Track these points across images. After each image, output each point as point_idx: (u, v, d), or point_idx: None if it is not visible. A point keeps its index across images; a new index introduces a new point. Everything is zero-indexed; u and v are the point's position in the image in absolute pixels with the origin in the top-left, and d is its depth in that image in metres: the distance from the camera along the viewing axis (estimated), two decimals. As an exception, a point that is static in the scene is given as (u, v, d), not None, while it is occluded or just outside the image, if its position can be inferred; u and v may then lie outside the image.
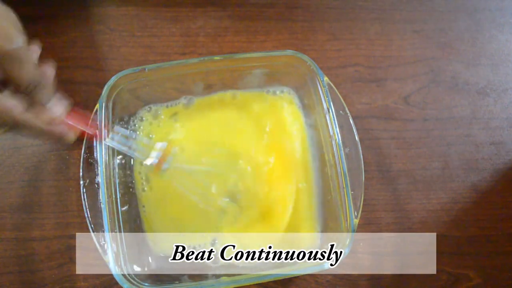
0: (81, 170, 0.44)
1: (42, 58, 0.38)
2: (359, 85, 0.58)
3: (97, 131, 0.41)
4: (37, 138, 0.39)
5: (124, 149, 0.43)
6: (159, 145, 0.44)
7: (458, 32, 0.62)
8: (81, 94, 0.55)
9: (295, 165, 0.51)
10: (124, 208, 0.46)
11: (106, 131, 0.43)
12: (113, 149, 0.46)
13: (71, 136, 0.38)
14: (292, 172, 0.50)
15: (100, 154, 0.43)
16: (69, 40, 0.57)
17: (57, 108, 0.36)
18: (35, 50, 0.36)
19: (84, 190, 0.43)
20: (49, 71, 0.36)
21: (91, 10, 0.59)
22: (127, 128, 0.51)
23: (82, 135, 0.41)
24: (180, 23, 0.59)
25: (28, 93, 0.33)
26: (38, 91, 0.34)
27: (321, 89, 0.47)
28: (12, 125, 0.33)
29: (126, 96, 0.49)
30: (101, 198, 0.42)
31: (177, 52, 0.58)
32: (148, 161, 0.43)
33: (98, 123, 0.42)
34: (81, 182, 0.43)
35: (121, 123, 0.50)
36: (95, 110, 0.44)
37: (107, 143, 0.43)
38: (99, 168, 0.43)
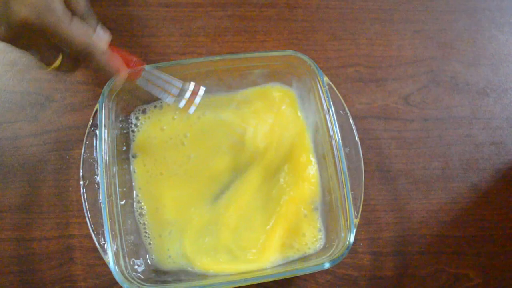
0: (81, 170, 0.44)
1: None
2: (359, 85, 0.58)
3: (131, 66, 0.43)
4: (95, 70, 0.42)
5: (155, 90, 0.44)
6: (188, 84, 0.44)
7: (458, 32, 0.62)
8: (81, 94, 0.55)
9: (295, 165, 0.51)
10: (124, 209, 0.46)
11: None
12: (113, 149, 0.46)
13: (123, 74, 0.42)
14: (293, 171, 0.50)
15: (100, 154, 0.43)
16: (69, 40, 0.57)
17: (103, 38, 0.40)
18: None
19: (84, 190, 0.43)
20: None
21: (91, 10, 0.59)
22: (126, 128, 0.51)
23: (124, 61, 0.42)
24: (180, 23, 0.59)
25: (84, 18, 0.38)
26: (90, 17, 0.39)
27: (321, 89, 0.47)
28: (84, 48, 0.37)
29: (126, 96, 0.49)
30: (101, 198, 0.42)
31: (177, 52, 0.58)
32: (181, 104, 0.44)
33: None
34: (81, 182, 0.43)
35: (121, 122, 0.50)
36: (95, 110, 0.44)
37: (146, 76, 0.43)
38: (99, 168, 0.43)
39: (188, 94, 0.44)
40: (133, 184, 0.50)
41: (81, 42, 0.37)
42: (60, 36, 0.36)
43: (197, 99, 0.44)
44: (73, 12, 0.37)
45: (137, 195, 0.49)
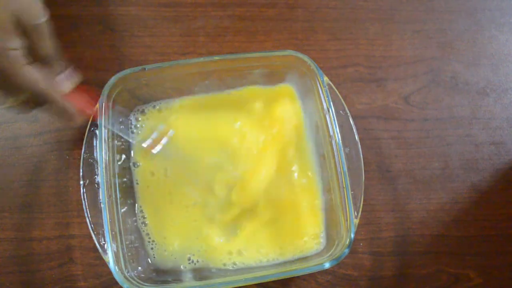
0: (81, 170, 0.44)
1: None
2: (359, 85, 0.58)
3: (95, 109, 0.43)
4: (53, 112, 0.42)
5: (120, 132, 0.45)
6: (158, 127, 0.45)
7: (458, 32, 0.62)
8: (81, 94, 0.55)
9: (296, 164, 0.51)
10: (124, 209, 0.46)
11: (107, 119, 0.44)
12: (113, 149, 0.46)
13: (75, 122, 0.42)
14: (292, 172, 0.50)
15: (100, 154, 0.43)
16: (69, 40, 0.57)
17: (65, 79, 0.40)
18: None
19: (84, 190, 0.43)
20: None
21: (91, 10, 0.59)
22: (126, 127, 0.51)
23: (85, 113, 0.42)
24: (180, 23, 0.59)
25: (45, 64, 0.38)
26: (54, 63, 0.39)
27: (321, 89, 0.47)
28: (36, 95, 0.37)
29: (126, 96, 0.49)
30: (101, 198, 0.42)
31: (177, 52, 0.58)
32: (145, 143, 0.45)
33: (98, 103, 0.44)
34: (81, 182, 0.43)
35: (120, 122, 0.50)
36: (95, 110, 0.44)
37: (104, 126, 0.44)
38: (99, 168, 0.43)
39: (155, 135, 0.45)
40: (133, 184, 0.49)
41: (31, 88, 0.37)
42: (10, 81, 0.36)
43: (164, 140, 0.45)
44: (35, 58, 0.37)
45: (137, 195, 0.49)
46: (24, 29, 0.35)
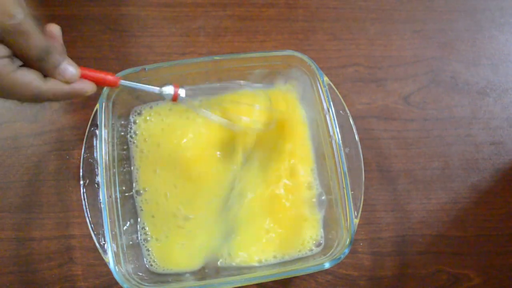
0: (81, 170, 0.44)
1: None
2: (359, 85, 0.58)
3: (116, 78, 0.39)
4: (61, 100, 0.39)
5: (140, 86, 0.41)
6: (166, 86, 0.41)
7: (458, 32, 0.62)
8: (81, 94, 0.55)
9: (295, 165, 0.51)
10: (123, 205, 0.46)
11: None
12: (113, 150, 0.46)
13: (92, 88, 0.37)
14: (292, 171, 0.50)
15: (100, 154, 0.43)
16: (69, 40, 0.57)
17: (72, 66, 0.35)
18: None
19: (84, 190, 0.43)
20: (55, 30, 0.35)
21: (91, 10, 0.59)
22: (126, 128, 0.51)
23: (100, 83, 0.38)
24: (180, 23, 0.59)
25: (41, 61, 0.32)
26: (51, 57, 0.33)
27: (321, 89, 0.47)
28: (34, 98, 0.33)
29: (126, 96, 0.49)
30: (101, 198, 0.42)
31: (177, 52, 0.58)
32: (167, 97, 0.41)
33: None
34: (81, 182, 0.43)
35: (121, 122, 0.50)
36: (95, 110, 0.44)
37: (125, 84, 0.40)
38: (99, 168, 0.43)
39: (171, 93, 0.42)
40: (133, 184, 0.50)
41: (29, 92, 0.32)
42: (2, 93, 0.32)
43: (182, 93, 0.42)
44: (24, 60, 0.32)
45: (137, 196, 0.49)
46: (2, 33, 0.30)
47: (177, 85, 0.41)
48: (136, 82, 0.41)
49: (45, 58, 0.32)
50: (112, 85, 0.39)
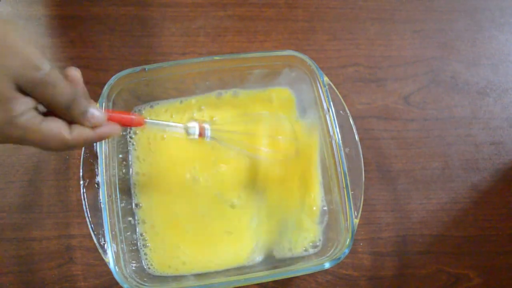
0: (81, 170, 0.44)
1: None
2: (359, 85, 0.58)
3: (140, 118, 0.39)
4: (86, 146, 0.39)
5: (164, 126, 0.42)
6: (191, 123, 0.42)
7: (458, 32, 0.62)
8: (81, 94, 0.55)
9: (296, 164, 0.51)
10: (123, 205, 0.46)
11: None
12: (113, 149, 0.46)
13: (118, 131, 0.37)
14: (292, 171, 0.50)
15: (100, 154, 0.43)
16: (69, 40, 0.57)
17: (98, 111, 0.35)
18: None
19: (84, 190, 0.43)
20: (76, 75, 0.35)
21: (91, 10, 0.59)
22: (126, 128, 0.51)
23: (125, 125, 0.38)
24: (180, 23, 0.59)
25: (68, 109, 0.32)
26: (77, 104, 0.33)
27: (321, 89, 0.47)
28: (61, 147, 0.33)
29: (126, 96, 0.49)
30: (101, 198, 0.42)
31: (177, 52, 0.58)
32: (192, 135, 0.42)
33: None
34: (81, 182, 0.43)
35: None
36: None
37: (151, 123, 0.40)
38: (99, 168, 0.43)
39: (196, 133, 0.42)
40: (133, 184, 0.49)
41: (58, 143, 0.32)
42: (31, 144, 0.32)
43: (207, 133, 0.43)
44: (52, 109, 0.32)
45: (136, 196, 0.49)
46: (30, 86, 0.30)
47: (201, 124, 0.42)
48: (159, 120, 0.42)
49: (72, 105, 0.32)
50: (138, 125, 0.39)
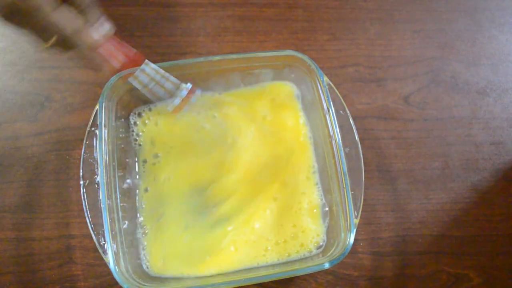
0: (81, 170, 0.44)
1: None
2: (359, 85, 0.58)
3: (121, 63, 0.42)
4: (82, 59, 0.42)
5: (151, 84, 0.44)
6: (184, 85, 0.44)
7: (458, 32, 0.62)
8: (81, 94, 0.55)
9: (296, 164, 0.51)
10: (123, 205, 0.46)
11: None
12: (113, 149, 0.46)
13: (105, 68, 0.41)
14: (292, 172, 0.50)
15: (100, 154, 0.43)
16: (69, 40, 0.57)
17: (97, 33, 0.40)
18: None
19: (84, 190, 0.43)
20: None
21: (91, 10, 0.59)
22: (127, 127, 0.51)
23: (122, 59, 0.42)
24: (180, 23, 0.59)
25: (79, 10, 0.39)
26: (87, 12, 0.39)
27: (321, 89, 0.47)
28: (60, 40, 0.38)
29: (126, 96, 0.49)
30: (101, 198, 0.42)
31: (177, 52, 0.58)
32: (176, 101, 0.44)
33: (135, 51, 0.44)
34: (81, 182, 0.43)
35: (121, 121, 0.50)
36: (95, 110, 0.44)
37: (139, 74, 0.43)
38: (99, 168, 0.43)
39: (184, 93, 0.44)
40: (133, 184, 0.49)
41: (64, 29, 0.38)
42: (43, 20, 0.37)
43: (193, 98, 0.44)
44: (72, 3, 0.39)
45: (136, 196, 0.49)
46: None
47: (195, 88, 0.44)
48: (151, 74, 0.44)
49: (84, 10, 0.39)
50: (134, 64, 0.42)
